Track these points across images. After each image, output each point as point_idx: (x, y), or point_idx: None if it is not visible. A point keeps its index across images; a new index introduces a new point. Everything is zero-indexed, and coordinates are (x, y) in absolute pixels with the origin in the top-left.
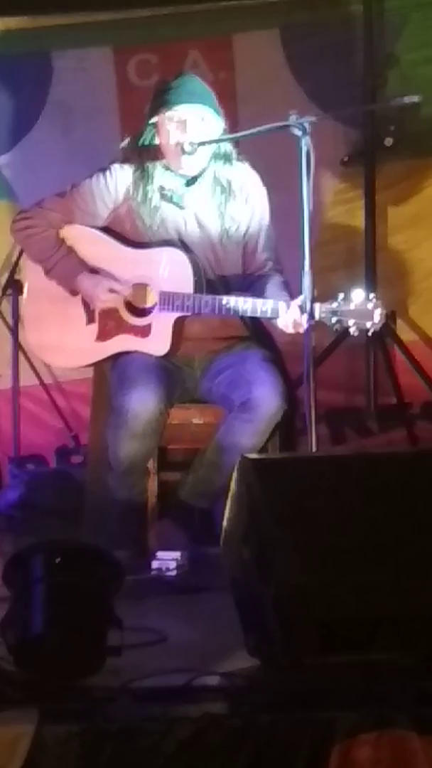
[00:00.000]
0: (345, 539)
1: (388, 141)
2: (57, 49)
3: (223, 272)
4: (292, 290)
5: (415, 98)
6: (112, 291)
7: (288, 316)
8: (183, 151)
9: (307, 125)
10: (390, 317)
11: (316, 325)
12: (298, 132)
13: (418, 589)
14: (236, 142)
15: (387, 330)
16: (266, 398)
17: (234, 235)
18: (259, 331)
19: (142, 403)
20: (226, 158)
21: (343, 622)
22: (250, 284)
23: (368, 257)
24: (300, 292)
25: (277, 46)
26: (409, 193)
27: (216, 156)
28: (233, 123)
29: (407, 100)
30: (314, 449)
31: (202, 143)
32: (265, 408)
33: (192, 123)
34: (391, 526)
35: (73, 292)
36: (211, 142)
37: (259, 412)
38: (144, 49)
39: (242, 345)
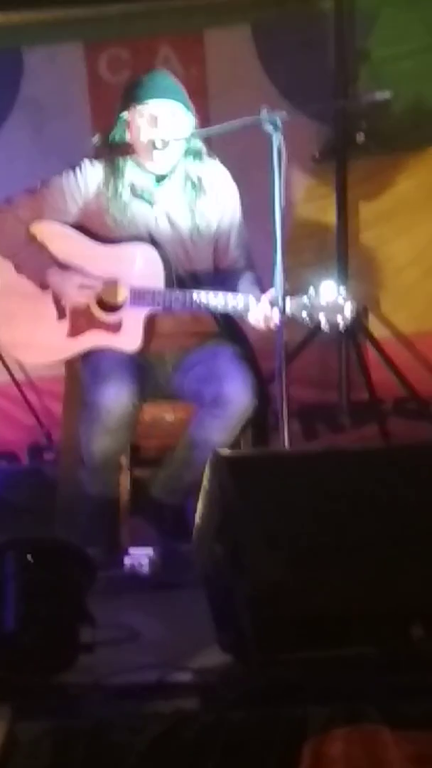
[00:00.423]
0: (317, 535)
1: (360, 137)
2: (28, 45)
3: (193, 269)
4: (264, 286)
5: (387, 94)
6: (82, 287)
7: (258, 310)
8: (154, 147)
9: (278, 121)
10: (362, 313)
11: (288, 322)
12: (269, 128)
13: (390, 585)
14: (207, 139)
15: (359, 326)
16: (237, 394)
17: (205, 232)
18: (231, 326)
19: (115, 398)
20: (197, 155)
21: (315, 617)
22: (222, 281)
23: (340, 253)
24: (272, 288)
25: (249, 41)
26: (380, 190)
27: (187, 153)
28: (204, 119)
29: (378, 96)
30: (287, 445)
31: (174, 139)
32: (235, 404)
33: (163, 118)
34: (363, 522)
35: (44, 288)
36: (182, 138)
37: (230, 408)
38: (115, 45)
39: (213, 341)
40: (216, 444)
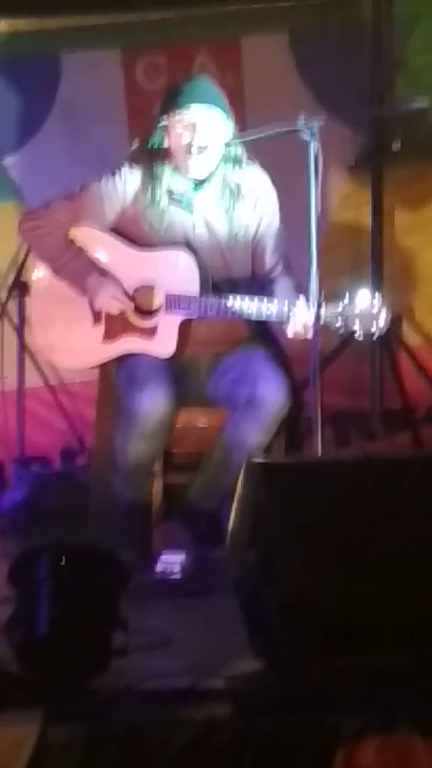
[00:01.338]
0: (350, 543)
1: (396, 145)
2: (65, 51)
3: (231, 275)
4: (301, 292)
5: (424, 102)
6: (114, 298)
7: (297, 318)
8: (192, 153)
9: (315, 128)
10: (396, 321)
11: (321, 329)
12: (306, 135)
13: (423, 593)
14: (247, 145)
15: (393, 334)
16: (271, 394)
17: (242, 239)
18: (264, 331)
19: (153, 403)
20: (236, 161)
21: (348, 625)
22: (260, 286)
23: (375, 261)
24: (307, 295)
25: (286, 49)
26: (415, 198)
27: (226, 159)
28: (241, 126)
29: (416, 104)
30: (320, 452)
31: (211, 146)
32: (270, 404)
33: (201, 124)
34: (396, 530)
35: (81, 292)
36: (219, 144)
37: (265, 408)
38: (152, 51)
39: (246, 345)
40: (252, 445)
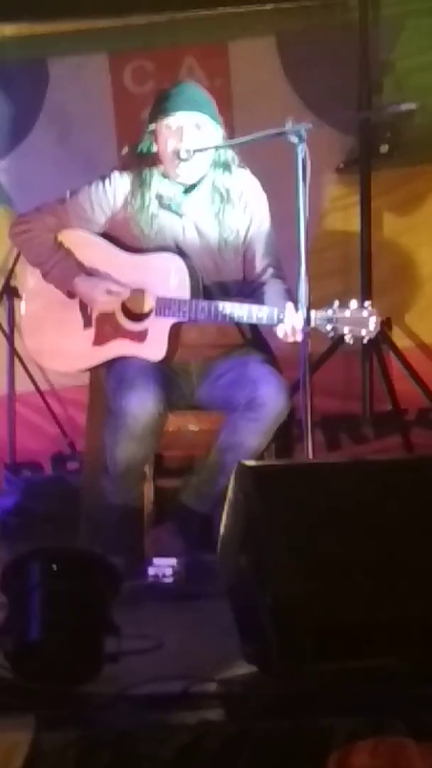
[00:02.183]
0: (341, 546)
1: (384, 148)
2: (53, 56)
3: (222, 279)
4: (292, 296)
5: (411, 105)
6: (109, 292)
7: (286, 322)
8: (179, 158)
9: (303, 132)
10: (385, 324)
11: (312, 332)
12: (294, 139)
13: (415, 596)
14: (236, 150)
15: (383, 336)
16: (272, 397)
17: (232, 243)
18: (257, 338)
19: (141, 405)
20: (226, 166)
21: (340, 628)
22: (251, 291)
23: (364, 264)
24: (296, 299)
25: (273, 52)
26: (404, 200)
27: (215, 164)
28: (229, 130)
29: (404, 107)
30: (311, 456)
31: (198, 150)
32: (271, 406)
33: (188, 129)
34: (387, 534)
35: (71, 296)
36: (205, 149)
37: (265, 410)
38: (140, 56)
39: (241, 350)
40: (250, 448)
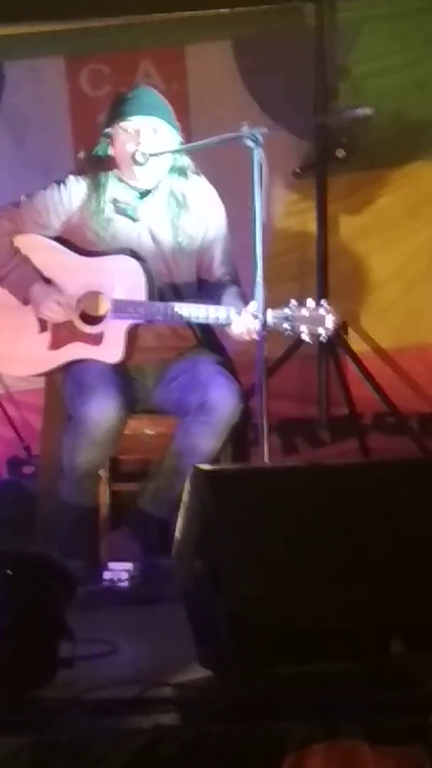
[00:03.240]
0: (297, 551)
1: (340, 153)
2: (9, 59)
3: (175, 284)
4: (248, 301)
5: (368, 110)
6: (58, 305)
7: (241, 322)
8: (135, 162)
9: (259, 136)
10: (342, 328)
11: (269, 335)
12: (250, 143)
13: (369, 600)
14: (192, 156)
15: (339, 340)
16: (223, 399)
17: (187, 249)
18: (209, 339)
19: (103, 411)
20: (182, 172)
21: (295, 633)
22: (206, 295)
23: (320, 268)
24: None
25: (230, 57)
26: (360, 205)
27: (172, 169)
28: (186, 133)
29: (360, 112)
30: (267, 460)
31: (154, 154)
32: (222, 409)
33: (145, 134)
34: (344, 538)
35: (26, 302)
36: (161, 153)
37: (217, 413)
38: (96, 59)
39: (193, 351)
40: (204, 451)
